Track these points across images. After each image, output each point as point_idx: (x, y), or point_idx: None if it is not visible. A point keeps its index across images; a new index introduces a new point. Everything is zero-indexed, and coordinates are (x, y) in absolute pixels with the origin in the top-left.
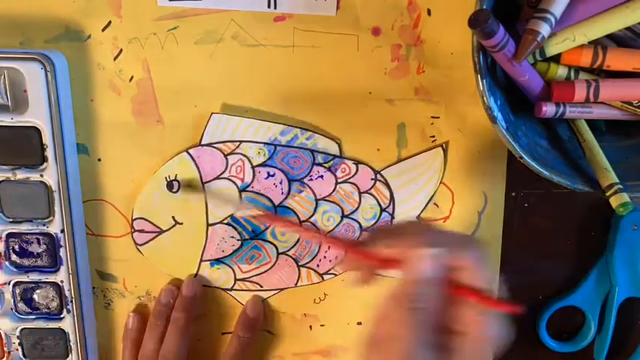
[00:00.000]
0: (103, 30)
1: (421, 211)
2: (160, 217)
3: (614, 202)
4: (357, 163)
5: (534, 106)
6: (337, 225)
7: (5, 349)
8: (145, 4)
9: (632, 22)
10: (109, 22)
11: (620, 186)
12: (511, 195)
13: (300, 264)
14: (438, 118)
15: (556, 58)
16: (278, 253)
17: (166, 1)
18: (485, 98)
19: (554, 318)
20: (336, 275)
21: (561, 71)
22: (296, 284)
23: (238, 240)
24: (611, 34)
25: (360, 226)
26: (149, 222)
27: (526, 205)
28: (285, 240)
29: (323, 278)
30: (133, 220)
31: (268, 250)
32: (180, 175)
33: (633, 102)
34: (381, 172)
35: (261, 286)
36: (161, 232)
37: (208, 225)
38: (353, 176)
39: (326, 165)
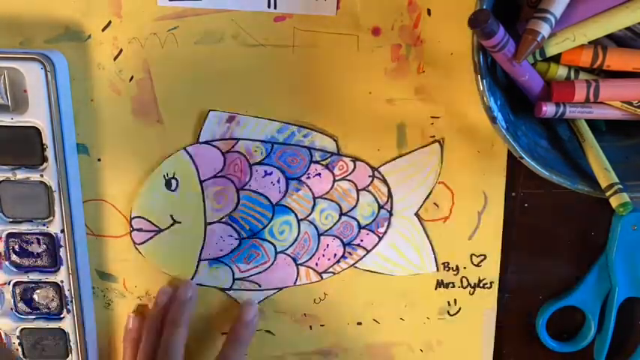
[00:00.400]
0: (103, 30)
1: (419, 208)
2: (159, 215)
3: (614, 202)
4: (355, 160)
5: (534, 106)
6: (335, 223)
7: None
8: (145, 4)
9: (632, 22)
10: (109, 22)
11: (620, 186)
12: (511, 195)
13: (298, 263)
14: (438, 118)
15: (556, 58)
16: (276, 252)
17: (166, 1)
18: (485, 98)
19: (554, 318)
20: (334, 274)
21: (561, 71)
22: (295, 283)
23: (237, 239)
24: (611, 34)
25: (359, 223)
26: (147, 221)
27: (526, 205)
28: (284, 238)
29: (322, 277)
30: (131, 218)
31: (267, 249)
32: (179, 173)
33: (633, 102)
34: (379, 169)
35: (260, 286)
36: (160, 230)
37: (206, 224)
38: (350, 173)
39: (323, 162)
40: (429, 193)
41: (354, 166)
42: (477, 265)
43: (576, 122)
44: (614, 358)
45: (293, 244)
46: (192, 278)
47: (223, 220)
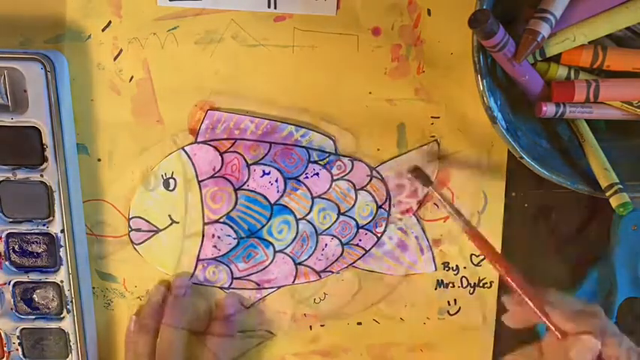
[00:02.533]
0: (103, 30)
1: (418, 207)
2: (157, 215)
3: (614, 202)
4: (353, 160)
5: (534, 106)
6: (334, 223)
7: (5, 349)
8: (145, 4)
9: (632, 22)
10: (109, 22)
11: (620, 186)
12: (511, 195)
13: (297, 262)
14: (438, 118)
15: (556, 58)
16: (275, 252)
17: (166, 1)
18: (485, 98)
19: None
20: (333, 273)
21: (561, 71)
22: (293, 282)
23: (235, 239)
24: (611, 34)
25: (357, 223)
26: (146, 221)
27: (526, 205)
28: (282, 238)
29: (320, 276)
30: (129, 219)
31: (265, 248)
32: (177, 173)
33: (633, 102)
34: (377, 169)
35: (259, 285)
36: (158, 230)
37: (204, 224)
38: (348, 173)
39: (321, 162)
40: (427, 192)
41: (352, 166)
42: (477, 265)
43: (576, 122)
44: None
45: (291, 243)
46: (190, 278)
47: (221, 219)
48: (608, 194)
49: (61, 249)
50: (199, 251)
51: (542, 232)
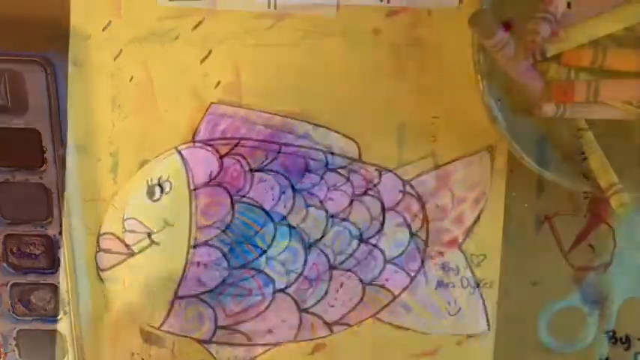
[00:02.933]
0: (103, 30)
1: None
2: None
3: (614, 202)
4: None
5: (534, 106)
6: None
7: (2, 350)
8: (145, 4)
9: (632, 22)
10: (109, 22)
11: (620, 186)
12: (511, 195)
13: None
14: (438, 118)
15: (556, 58)
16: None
17: (166, 1)
18: (485, 98)
19: (554, 318)
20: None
21: (561, 71)
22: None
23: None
24: (611, 34)
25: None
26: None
27: (526, 205)
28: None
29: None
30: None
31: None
32: (173, 176)
33: (633, 102)
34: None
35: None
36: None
37: (197, 228)
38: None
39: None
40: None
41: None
42: (477, 265)
43: (576, 122)
44: (614, 358)
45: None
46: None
47: (215, 224)
48: (608, 194)
49: (60, 250)
50: (194, 252)
51: (543, 232)
